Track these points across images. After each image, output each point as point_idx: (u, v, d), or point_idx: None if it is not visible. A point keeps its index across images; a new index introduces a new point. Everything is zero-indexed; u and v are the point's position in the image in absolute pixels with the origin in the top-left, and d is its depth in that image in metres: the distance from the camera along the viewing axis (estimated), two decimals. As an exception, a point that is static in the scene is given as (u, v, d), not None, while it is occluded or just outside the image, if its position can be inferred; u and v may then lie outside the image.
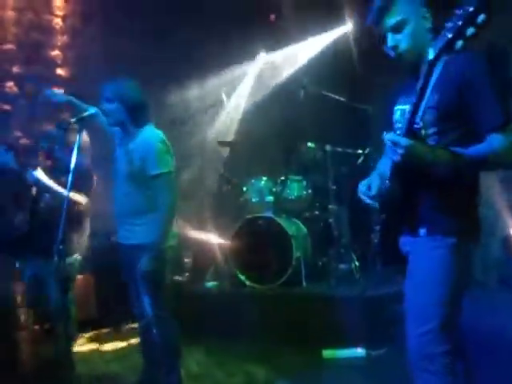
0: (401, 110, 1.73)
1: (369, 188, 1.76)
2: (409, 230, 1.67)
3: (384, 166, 1.71)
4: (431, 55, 1.43)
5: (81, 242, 3.05)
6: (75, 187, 3.02)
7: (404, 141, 1.48)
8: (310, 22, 5.00)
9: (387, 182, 1.63)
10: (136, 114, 2.56)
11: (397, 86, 1.83)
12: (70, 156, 2.34)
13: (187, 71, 4.89)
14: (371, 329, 3.31)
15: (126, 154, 2.57)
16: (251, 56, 5.61)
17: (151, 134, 2.60)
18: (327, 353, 3.22)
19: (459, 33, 1.35)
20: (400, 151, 1.48)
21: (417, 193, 1.62)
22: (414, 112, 1.50)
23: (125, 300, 2.77)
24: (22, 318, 3.57)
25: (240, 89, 5.69)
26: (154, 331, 2.54)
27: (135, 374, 2.82)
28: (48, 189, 2.94)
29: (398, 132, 1.62)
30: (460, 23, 1.34)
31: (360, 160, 4.42)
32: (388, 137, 1.51)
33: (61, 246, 2.24)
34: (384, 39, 1.69)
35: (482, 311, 2.45)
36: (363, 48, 5.03)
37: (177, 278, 4.29)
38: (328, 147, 4.29)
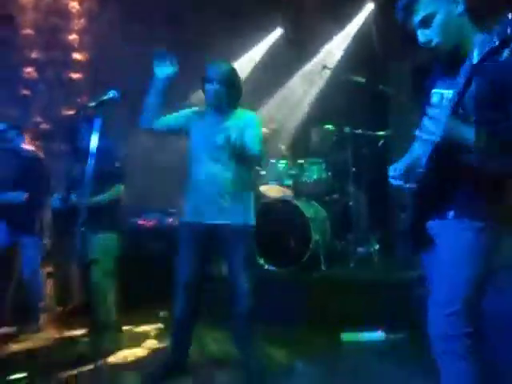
0: (438, 93, 1.71)
1: (400, 171, 1.73)
2: (437, 212, 1.66)
3: (417, 150, 1.70)
4: (475, 58, 1.41)
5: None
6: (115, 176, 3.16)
7: (448, 115, 1.48)
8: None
9: (423, 165, 1.61)
10: (232, 95, 2.65)
11: (433, 69, 1.80)
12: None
13: (201, 54, 4.86)
14: (391, 312, 3.29)
15: (219, 132, 2.57)
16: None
17: (251, 115, 2.73)
18: (346, 336, 3.22)
19: (506, 42, 1.33)
20: (441, 123, 1.48)
21: (449, 177, 1.61)
22: (457, 101, 1.49)
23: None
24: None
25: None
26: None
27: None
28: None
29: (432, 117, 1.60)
30: (509, 32, 1.31)
31: (380, 142, 4.35)
32: (431, 113, 1.50)
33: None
34: (416, 35, 1.66)
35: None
36: (382, 30, 4.90)
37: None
38: (347, 129, 4.23)
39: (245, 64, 5.42)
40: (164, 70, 2.59)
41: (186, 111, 2.77)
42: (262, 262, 4.04)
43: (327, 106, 4.86)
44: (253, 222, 2.71)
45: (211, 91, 2.62)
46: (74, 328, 3.48)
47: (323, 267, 3.96)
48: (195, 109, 2.80)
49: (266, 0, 5.00)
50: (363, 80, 4.15)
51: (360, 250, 4.12)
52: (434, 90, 1.73)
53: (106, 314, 3.13)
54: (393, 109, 4.87)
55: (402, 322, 3.14)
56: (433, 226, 1.71)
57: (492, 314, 1.85)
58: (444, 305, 1.60)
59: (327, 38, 5.42)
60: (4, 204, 3.49)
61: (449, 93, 1.62)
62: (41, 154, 3.70)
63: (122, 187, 3.33)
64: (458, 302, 1.58)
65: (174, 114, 2.74)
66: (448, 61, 1.67)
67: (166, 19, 4.78)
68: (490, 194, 1.60)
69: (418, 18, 1.62)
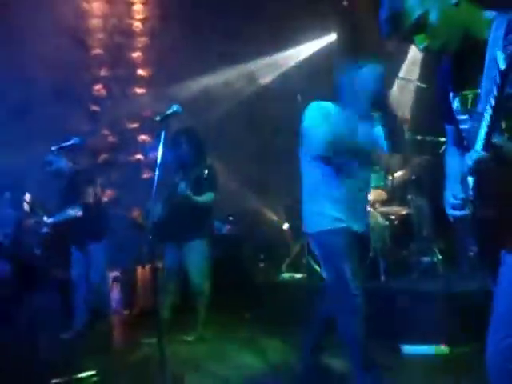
0: (460, 98, 1.50)
1: (455, 197, 1.52)
2: (504, 243, 1.47)
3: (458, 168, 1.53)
4: (502, 64, 1.19)
5: None
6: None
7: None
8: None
9: (472, 199, 1.44)
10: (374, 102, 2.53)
11: (447, 69, 1.56)
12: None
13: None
14: (455, 325, 3.15)
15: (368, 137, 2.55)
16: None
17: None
18: (408, 348, 3.12)
19: None
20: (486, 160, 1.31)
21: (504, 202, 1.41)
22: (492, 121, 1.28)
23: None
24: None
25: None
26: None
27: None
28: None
29: (466, 126, 1.46)
30: None
31: (442, 149, 4.19)
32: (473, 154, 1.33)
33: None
34: (413, 43, 1.44)
35: None
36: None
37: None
38: (407, 135, 4.12)
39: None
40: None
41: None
42: (320, 271, 4.01)
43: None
44: None
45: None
46: (141, 331, 3.63)
47: (383, 277, 3.87)
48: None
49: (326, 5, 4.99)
50: (426, 86, 4.04)
51: (423, 259, 3.98)
52: (452, 94, 1.52)
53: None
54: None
55: (466, 336, 2.99)
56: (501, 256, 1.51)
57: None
58: (503, 336, 1.49)
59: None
60: (68, 220, 3.74)
61: (473, 94, 1.43)
62: (79, 166, 3.92)
63: (213, 194, 3.53)
64: None
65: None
66: (460, 61, 1.45)
67: (226, 32, 4.91)
68: None
69: (409, 24, 1.39)
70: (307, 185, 2.58)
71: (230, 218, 4.93)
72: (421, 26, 1.39)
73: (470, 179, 1.46)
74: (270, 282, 4.31)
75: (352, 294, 2.36)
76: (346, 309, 2.40)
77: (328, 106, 2.50)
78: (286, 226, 4.65)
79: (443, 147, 4.19)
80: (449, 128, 1.67)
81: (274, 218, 4.69)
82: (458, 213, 1.52)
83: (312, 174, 2.53)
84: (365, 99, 2.44)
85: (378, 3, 1.49)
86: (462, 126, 1.52)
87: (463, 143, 1.56)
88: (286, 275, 4.32)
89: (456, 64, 1.49)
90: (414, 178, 4.14)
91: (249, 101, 5.23)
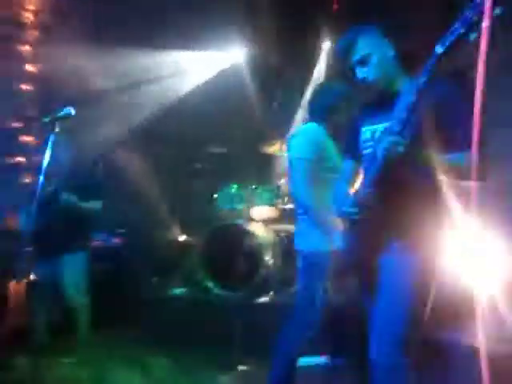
0: (369, 130, 1.85)
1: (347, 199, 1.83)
2: (384, 243, 1.72)
3: (342, 187, 1.91)
4: (440, 49, 1.48)
5: None
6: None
7: (402, 139, 1.58)
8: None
9: (368, 190, 1.71)
10: None
11: (360, 109, 1.99)
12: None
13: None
14: (338, 338, 3.34)
15: None
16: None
17: None
18: (301, 361, 3.24)
19: (472, 26, 1.39)
20: (399, 149, 1.56)
21: (391, 206, 1.68)
22: (404, 124, 1.58)
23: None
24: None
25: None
26: None
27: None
28: None
29: (369, 150, 1.78)
30: (474, 18, 1.38)
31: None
32: (387, 140, 1.59)
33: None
34: (353, 73, 1.85)
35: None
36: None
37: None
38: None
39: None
40: None
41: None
42: (211, 285, 4.01)
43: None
44: None
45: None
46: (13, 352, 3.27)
47: (272, 292, 3.99)
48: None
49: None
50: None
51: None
52: (364, 128, 1.87)
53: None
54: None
55: (346, 347, 3.19)
56: (379, 256, 1.76)
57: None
58: (388, 334, 1.65)
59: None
60: None
61: (381, 127, 1.76)
62: None
63: (100, 202, 3.31)
64: (401, 331, 1.64)
65: None
66: (381, 97, 1.83)
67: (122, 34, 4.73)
68: (427, 223, 1.69)
69: (356, 57, 1.82)
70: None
71: (120, 230, 4.71)
72: (364, 62, 1.82)
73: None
74: (159, 298, 4.17)
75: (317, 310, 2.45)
76: (306, 321, 2.47)
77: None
78: (182, 238, 4.57)
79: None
80: (348, 162, 2.01)
81: (170, 230, 4.59)
82: (350, 210, 1.77)
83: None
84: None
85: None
86: (366, 151, 1.85)
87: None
88: (178, 290, 4.23)
89: (375, 101, 1.87)
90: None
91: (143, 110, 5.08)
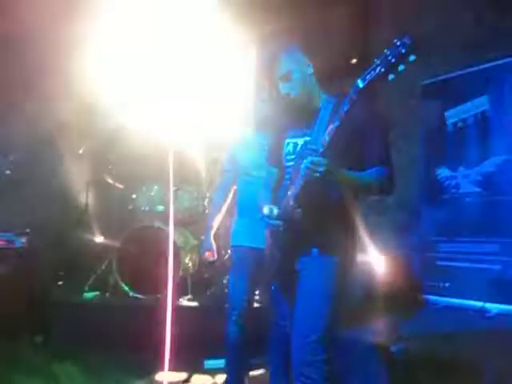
0: (291, 142, 1.98)
1: (272, 211, 1.93)
2: (303, 249, 1.85)
3: (266, 196, 2.01)
4: (361, 84, 1.63)
5: None
6: None
7: (324, 160, 1.70)
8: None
9: (291, 204, 1.82)
10: None
11: (283, 123, 2.09)
12: None
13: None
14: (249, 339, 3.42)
15: None
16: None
17: None
18: (209, 363, 3.26)
19: (392, 67, 1.54)
20: (321, 168, 1.68)
21: (312, 216, 1.82)
22: (326, 145, 1.72)
23: None
24: None
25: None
26: None
27: None
28: None
29: (292, 163, 1.90)
30: (393, 60, 1.53)
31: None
32: (310, 159, 1.70)
33: None
34: (277, 88, 1.97)
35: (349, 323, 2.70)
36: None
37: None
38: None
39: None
40: None
41: None
42: (127, 289, 3.90)
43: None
44: None
45: None
46: None
47: (190, 295, 3.98)
48: None
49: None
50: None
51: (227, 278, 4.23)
52: (286, 141, 2.00)
53: None
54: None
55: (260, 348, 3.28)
56: (300, 261, 1.89)
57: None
58: (306, 333, 1.76)
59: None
60: None
61: (303, 140, 1.90)
62: None
63: None
64: (318, 330, 1.75)
65: None
66: (302, 112, 1.96)
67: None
68: (342, 233, 1.86)
69: (279, 74, 1.94)
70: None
71: (27, 231, 4.42)
72: (286, 77, 1.94)
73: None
74: (70, 302, 3.97)
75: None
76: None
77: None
78: (99, 240, 4.38)
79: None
80: (272, 170, 2.11)
81: (86, 231, 4.38)
82: (273, 222, 1.89)
83: None
84: None
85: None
86: (289, 163, 1.97)
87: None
88: (90, 294, 4.07)
89: (297, 115, 1.99)
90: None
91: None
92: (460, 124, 4.02)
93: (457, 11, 4.08)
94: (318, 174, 1.69)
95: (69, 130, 4.65)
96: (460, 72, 3.97)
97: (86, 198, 4.50)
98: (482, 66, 3.82)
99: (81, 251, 4.39)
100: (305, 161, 1.72)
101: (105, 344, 3.39)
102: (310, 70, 1.97)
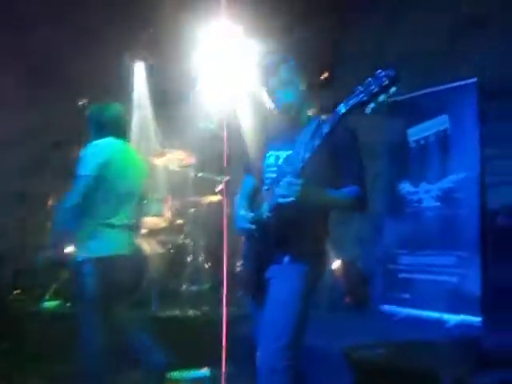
0: (273, 155, 1.99)
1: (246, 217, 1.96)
2: (275, 257, 1.89)
3: (241, 204, 2.02)
4: (343, 109, 1.66)
5: None
6: None
7: (301, 180, 1.72)
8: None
9: (267, 214, 1.86)
10: None
11: (266, 134, 2.12)
12: None
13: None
14: (217, 349, 3.41)
15: None
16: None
17: None
18: (175, 374, 3.23)
19: (373, 97, 1.59)
20: (297, 188, 1.70)
21: (287, 226, 1.86)
22: (302, 158, 1.75)
23: None
24: None
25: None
26: None
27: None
28: None
29: (273, 175, 1.92)
30: (376, 90, 1.57)
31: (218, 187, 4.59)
32: (287, 180, 1.72)
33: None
34: (271, 94, 2.01)
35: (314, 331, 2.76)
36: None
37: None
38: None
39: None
40: None
41: None
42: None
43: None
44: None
45: None
46: None
47: (154, 305, 3.93)
48: None
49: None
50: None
51: (193, 288, 4.22)
52: (268, 153, 2.02)
53: None
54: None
55: (229, 358, 3.27)
56: (270, 269, 1.93)
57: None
58: (274, 339, 1.78)
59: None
60: None
61: (285, 154, 1.93)
62: None
63: None
64: (285, 336, 1.78)
65: None
66: (287, 124, 2.00)
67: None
68: (313, 243, 1.92)
69: (277, 79, 1.96)
70: None
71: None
72: (284, 84, 1.95)
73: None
74: (30, 312, 3.86)
75: None
76: None
77: None
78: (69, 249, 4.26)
79: (219, 186, 4.60)
80: (249, 179, 2.14)
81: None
82: (245, 226, 1.93)
83: None
84: None
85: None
86: (269, 175, 1.98)
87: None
88: (51, 303, 3.95)
89: (281, 128, 2.03)
90: (192, 210, 4.40)
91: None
92: (422, 142, 4.18)
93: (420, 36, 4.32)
94: (292, 198, 1.71)
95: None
96: (422, 92, 4.15)
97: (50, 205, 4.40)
98: (442, 87, 4.01)
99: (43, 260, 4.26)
100: (281, 183, 1.75)
101: (63, 353, 3.30)
102: (303, 87, 2.02)
